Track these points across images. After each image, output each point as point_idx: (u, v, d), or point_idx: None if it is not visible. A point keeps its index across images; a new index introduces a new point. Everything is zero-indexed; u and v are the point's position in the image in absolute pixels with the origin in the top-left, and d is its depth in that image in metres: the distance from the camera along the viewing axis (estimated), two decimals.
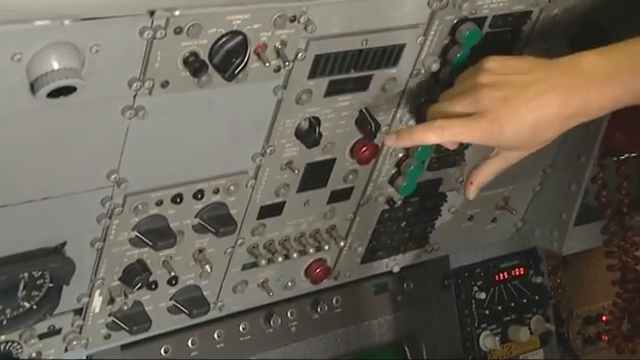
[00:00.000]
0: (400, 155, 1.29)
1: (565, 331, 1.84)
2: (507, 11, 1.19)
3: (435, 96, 1.22)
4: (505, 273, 1.69)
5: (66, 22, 0.86)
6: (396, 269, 1.47)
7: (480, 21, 1.18)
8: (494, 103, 1.02)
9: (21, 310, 1.09)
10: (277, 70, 1.06)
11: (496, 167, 1.11)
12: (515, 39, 1.24)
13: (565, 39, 1.29)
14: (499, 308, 1.68)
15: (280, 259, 1.28)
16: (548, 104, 1.01)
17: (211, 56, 1.00)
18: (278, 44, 1.04)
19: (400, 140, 1.09)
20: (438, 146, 1.31)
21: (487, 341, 1.66)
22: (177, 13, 0.93)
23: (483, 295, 1.66)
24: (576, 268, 1.85)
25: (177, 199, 1.13)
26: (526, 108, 1.01)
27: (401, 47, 1.15)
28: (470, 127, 1.03)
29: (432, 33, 1.16)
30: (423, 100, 1.24)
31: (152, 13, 0.91)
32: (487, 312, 1.67)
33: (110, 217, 1.09)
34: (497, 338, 1.66)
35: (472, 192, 1.13)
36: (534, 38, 1.26)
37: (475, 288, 1.66)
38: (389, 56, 1.15)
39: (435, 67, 1.20)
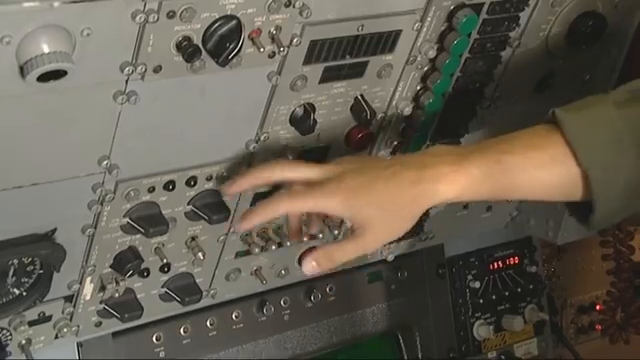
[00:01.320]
0: (395, 143, 1.28)
1: (559, 320, 1.84)
2: None
3: (430, 84, 1.22)
4: (499, 262, 1.69)
5: (55, 4, 0.84)
6: (390, 258, 1.46)
7: (477, 7, 1.17)
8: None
9: (11, 297, 1.08)
10: (272, 56, 1.05)
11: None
12: (513, 26, 1.23)
13: (563, 27, 1.28)
14: (493, 297, 1.67)
15: (274, 247, 1.27)
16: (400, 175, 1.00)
17: (204, 41, 0.98)
18: (273, 29, 1.03)
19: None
20: (433, 134, 1.30)
21: (481, 330, 1.66)
22: None
23: (477, 284, 1.65)
24: (570, 257, 1.84)
25: (170, 186, 1.12)
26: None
27: (397, 33, 1.14)
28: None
29: (429, 19, 1.15)
30: (419, 88, 1.23)
31: None
32: (481, 301, 1.66)
33: (101, 203, 1.08)
34: (491, 327, 1.66)
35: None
36: (531, 26, 1.25)
37: (469, 277, 1.65)
38: (385, 42, 1.14)
39: (432, 54, 1.18)
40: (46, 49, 0.87)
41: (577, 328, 1.87)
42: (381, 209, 0.99)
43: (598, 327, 1.85)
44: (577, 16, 1.27)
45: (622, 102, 0.98)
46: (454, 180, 0.98)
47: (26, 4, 0.83)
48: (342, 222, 1.27)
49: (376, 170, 1.02)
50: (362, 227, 1.00)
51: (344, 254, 1.01)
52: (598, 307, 1.87)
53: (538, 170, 0.98)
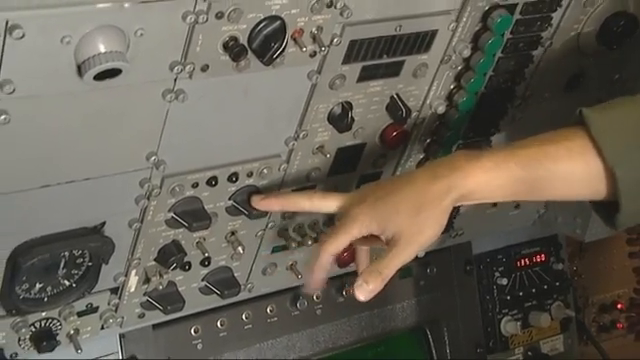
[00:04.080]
0: (428, 140, 1.31)
1: (581, 318, 1.86)
2: None
3: (464, 83, 1.25)
4: (526, 259, 1.71)
5: (126, 5, 0.87)
6: (421, 254, 1.49)
7: (511, 8, 1.20)
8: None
9: (61, 288, 1.11)
10: (313, 55, 1.08)
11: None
12: (545, 26, 1.26)
13: (595, 26, 1.31)
14: (520, 294, 1.70)
15: (310, 242, 1.30)
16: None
17: (250, 41, 1.02)
18: (314, 29, 1.06)
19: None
20: (465, 132, 1.33)
21: (508, 326, 1.68)
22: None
23: (505, 281, 1.68)
24: (592, 256, 1.86)
25: (212, 182, 1.15)
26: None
27: (433, 33, 1.17)
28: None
29: (464, 19, 1.18)
30: (453, 87, 1.26)
31: None
32: (508, 298, 1.68)
33: (148, 198, 1.11)
34: (518, 323, 1.68)
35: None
36: (563, 25, 1.27)
37: (497, 274, 1.68)
38: (421, 42, 1.17)
39: (466, 53, 1.21)
40: (103, 49, 0.90)
41: (599, 326, 1.90)
42: (406, 215, 1.01)
43: (620, 325, 1.87)
44: (609, 16, 1.29)
45: None
46: (468, 173, 0.99)
47: (90, 6, 0.86)
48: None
49: (392, 182, 1.07)
50: (395, 237, 1.02)
51: (389, 267, 1.02)
52: (619, 306, 1.89)
53: (556, 163, 0.98)
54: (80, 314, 1.17)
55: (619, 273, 1.87)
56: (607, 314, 1.90)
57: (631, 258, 1.74)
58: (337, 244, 1.04)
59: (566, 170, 0.99)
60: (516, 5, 1.20)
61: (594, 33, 1.30)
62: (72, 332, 1.17)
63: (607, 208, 1.01)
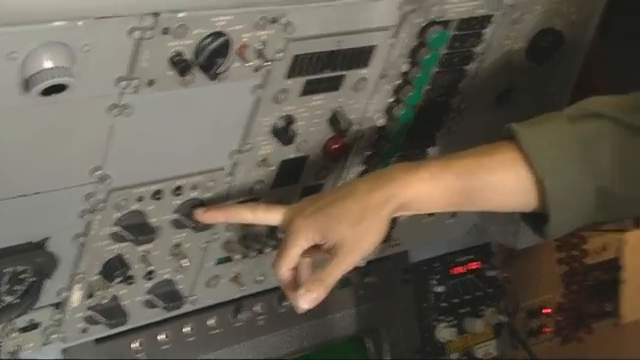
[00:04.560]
0: (369, 153, 1.34)
1: (513, 323, 1.92)
2: (471, 15, 1.26)
3: (403, 96, 1.29)
4: (461, 267, 1.76)
5: (79, 23, 0.88)
6: (361, 263, 1.50)
7: (447, 24, 1.24)
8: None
9: (4, 304, 1.10)
10: (257, 70, 1.10)
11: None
12: (477, 42, 1.30)
13: (523, 43, 1.36)
14: (456, 301, 1.74)
15: (254, 254, 1.32)
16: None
17: (196, 56, 1.03)
18: (259, 45, 1.08)
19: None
20: (404, 144, 1.37)
21: (444, 332, 1.72)
22: (166, 16, 0.96)
23: (441, 288, 1.72)
24: (522, 263, 1.92)
25: (157, 195, 1.16)
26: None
27: (372, 48, 1.20)
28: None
29: (402, 35, 1.22)
30: (392, 100, 1.29)
31: (155, 14, 0.94)
32: (444, 305, 1.72)
33: (93, 212, 1.11)
34: (454, 330, 1.72)
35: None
36: (495, 42, 1.32)
37: (433, 282, 1.71)
38: (361, 57, 1.20)
39: (405, 68, 1.25)
40: (49, 64, 0.91)
41: (527, 331, 1.96)
42: (348, 224, 1.05)
43: (546, 330, 1.94)
44: (537, 33, 1.35)
45: (575, 118, 1.04)
46: (406, 184, 1.04)
47: (37, 25, 0.86)
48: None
49: (334, 193, 1.10)
50: (337, 246, 1.06)
51: (332, 275, 1.06)
52: (547, 310, 1.95)
53: (489, 175, 1.03)
54: (22, 330, 1.16)
55: (547, 279, 1.93)
56: (535, 319, 1.96)
57: (559, 264, 1.80)
58: (288, 259, 1.07)
59: (499, 181, 1.03)
60: (451, 22, 1.24)
61: (523, 49, 1.36)
62: (14, 349, 1.15)
63: (537, 219, 1.06)
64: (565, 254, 1.80)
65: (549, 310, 1.90)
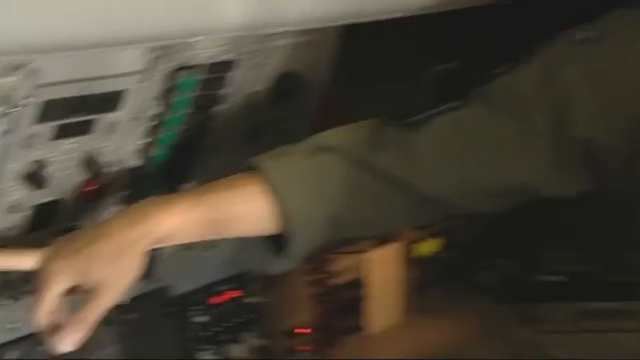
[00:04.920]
0: (127, 193, 1.37)
1: (272, 345, 2.00)
2: (219, 59, 1.33)
3: (156, 137, 1.32)
4: (220, 296, 1.81)
5: None
6: (124, 300, 1.51)
7: (196, 68, 1.30)
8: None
9: None
10: (4, 115, 1.09)
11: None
12: (226, 84, 1.38)
13: (268, 83, 1.46)
14: (217, 329, 1.79)
15: (9, 302, 1.28)
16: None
17: None
18: (5, 91, 1.07)
19: None
20: (162, 182, 1.40)
21: None
22: None
23: (202, 319, 1.76)
24: (277, 288, 1.99)
25: None
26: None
27: (122, 92, 1.23)
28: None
29: (151, 80, 1.26)
30: (146, 141, 1.33)
31: None
32: (207, 334, 1.77)
33: None
34: (219, 358, 1.78)
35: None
36: (242, 83, 1.41)
37: (194, 313, 1.76)
38: (111, 101, 1.23)
39: (157, 110, 1.29)
40: None
41: (285, 351, 2.04)
42: (105, 263, 1.08)
43: (303, 348, 2.04)
44: (279, 74, 1.45)
45: (307, 151, 1.17)
46: (160, 219, 1.10)
47: None
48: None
49: (88, 233, 1.12)
50: (96, 285, 1.08)
51: (93, 313, 1.08)
52: (299, 331, 2.05)
53: (234, 206, 1.13)
54: None
55: (300, 301, 2.03)
56: (291, 339, 2.04)
57: (310, 286, 1.92)
58: (44, 306, 1.07)
59: (244, 211, 1.14)
60: (200, 66, 1.31)
61: (267, 90, 1.46)
62: None
63: (280, 245, 1.17)
64: (314, 276, 1.91)
65: (303, 330, 2.00)
